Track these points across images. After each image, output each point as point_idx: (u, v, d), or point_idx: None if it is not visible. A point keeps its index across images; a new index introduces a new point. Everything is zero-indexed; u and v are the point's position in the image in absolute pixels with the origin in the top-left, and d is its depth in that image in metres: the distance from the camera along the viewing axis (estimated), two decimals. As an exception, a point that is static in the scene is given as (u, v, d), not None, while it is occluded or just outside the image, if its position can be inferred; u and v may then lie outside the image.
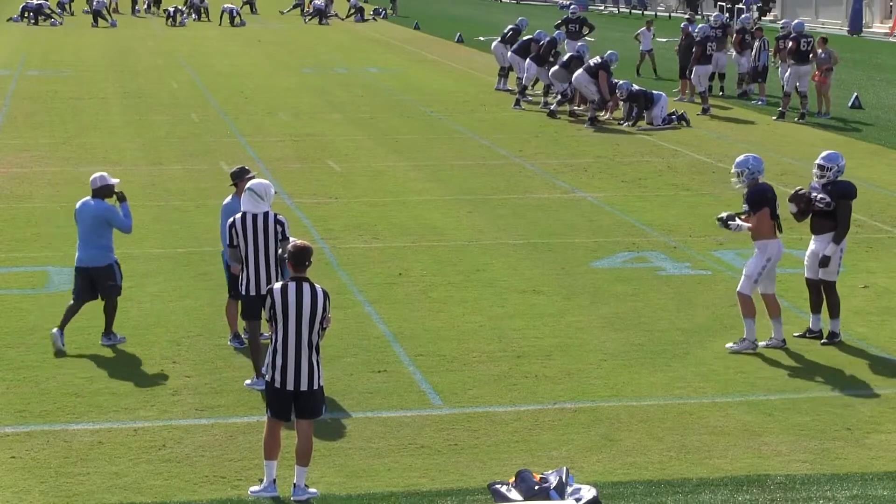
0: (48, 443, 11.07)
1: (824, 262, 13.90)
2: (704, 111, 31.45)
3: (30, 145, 26.35)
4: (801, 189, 14.26)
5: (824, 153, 14.16)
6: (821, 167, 13.99)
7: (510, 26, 36.46)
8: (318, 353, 9.98)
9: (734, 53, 34.89)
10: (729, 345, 13.76)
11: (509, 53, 34.53)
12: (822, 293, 14.07)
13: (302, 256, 9.96)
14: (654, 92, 30.04)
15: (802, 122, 30.02)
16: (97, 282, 13.77)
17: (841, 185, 13.93)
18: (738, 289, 13.84)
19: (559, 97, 31.05)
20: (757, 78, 33.81)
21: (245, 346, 13.34)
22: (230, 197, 13.48)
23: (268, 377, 10.01)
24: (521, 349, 13.65)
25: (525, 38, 34.27)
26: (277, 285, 9.97)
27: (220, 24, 60.99)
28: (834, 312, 13.98)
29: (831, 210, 13.86)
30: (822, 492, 10.15)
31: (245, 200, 12.26)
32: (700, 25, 33.82)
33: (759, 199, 13.78)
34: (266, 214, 12.18)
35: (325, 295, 9.96)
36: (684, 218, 20.00)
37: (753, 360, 13.38)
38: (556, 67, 31.16)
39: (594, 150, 26.22)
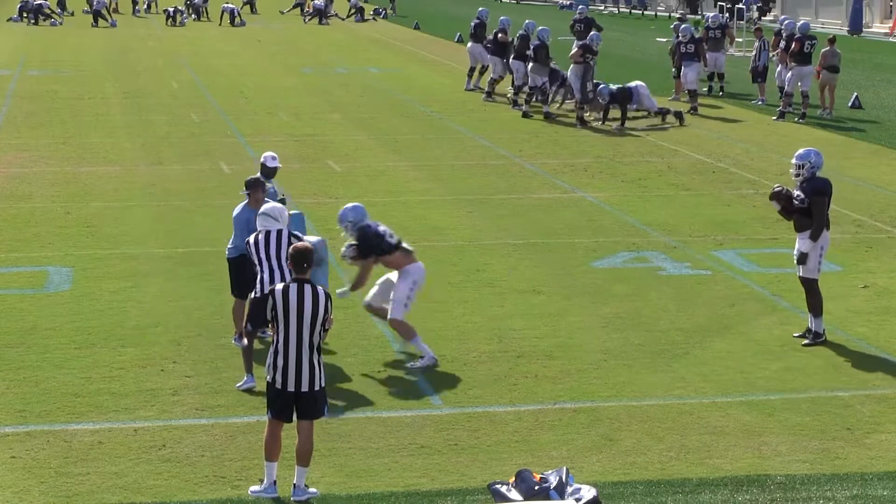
0: (48, 443, 11.08)
1: (801, 259, 13.91)
2: (693, 110, 31.32)
3: (30, 145, 26.34)
4: (779, 187, 14.20)
5: (798, 151, 14.13)
6: (795, 165, 14.01)
7: (474, 21, 36.02)
8: (319, 354, 9.98)
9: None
10: (411, 364, 13.11)
11: (488, 55, 34.28)
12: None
13: (302, 258, 9.96)
14: (629, 86, 29.66)
15: (802, 121, 30.00)
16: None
17: (814, 182, 13.87)
18: (389, 317, 13.25)
19: (527, 95, 30.93)
20: (757, 78, 33.74)
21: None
22: (241, 205, 13.48)
23: (269, 378, 10.02)
24: (521, 349, 13.65)
25: (494, 32, 33.79)
26: (279, 286, 9.98)
27: (220, 24, 60.97)
28: (816, 311, 13.89)
29: (807, 207, 13.85)
30: (822, 492, 10.15)
31: (260, 222, 12.38)
32: (683, 26, 33.52)
33: (366, 248, 13.33)
34: (280, 231, 12.27)
35: (327, 296, 9.96)
36: (684, 218, 20.00)
37: (753, 360, 13.37)
38: (531, 63, 30.53)
39: (594, 150, 26.22)
